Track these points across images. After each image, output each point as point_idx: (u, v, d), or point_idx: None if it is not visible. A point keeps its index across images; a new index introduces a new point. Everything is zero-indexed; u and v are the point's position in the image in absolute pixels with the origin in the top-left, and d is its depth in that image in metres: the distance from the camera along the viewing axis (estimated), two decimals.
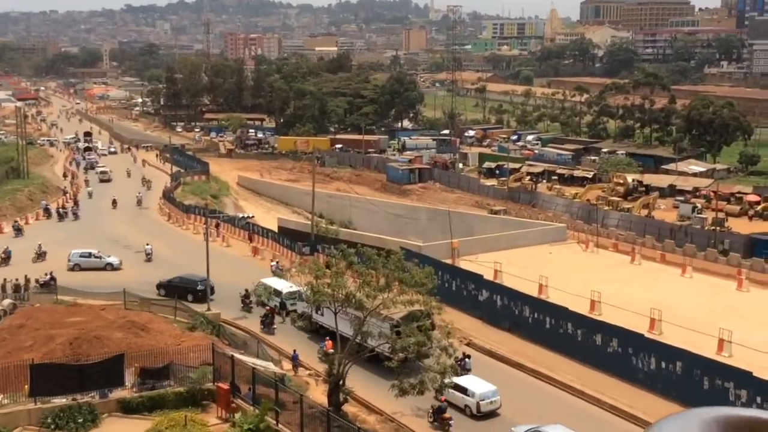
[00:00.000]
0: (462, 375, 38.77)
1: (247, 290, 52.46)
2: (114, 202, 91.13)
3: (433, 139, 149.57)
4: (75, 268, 60.88)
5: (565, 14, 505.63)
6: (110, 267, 61.73)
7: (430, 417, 36.31)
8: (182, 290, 53.38)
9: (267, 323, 48.49)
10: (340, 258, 38.61)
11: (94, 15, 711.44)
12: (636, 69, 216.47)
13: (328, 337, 42.77)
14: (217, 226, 73.13)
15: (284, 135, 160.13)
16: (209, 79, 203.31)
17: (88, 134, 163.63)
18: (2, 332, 43.38)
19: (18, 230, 75.11)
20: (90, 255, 62.27)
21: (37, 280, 53.87)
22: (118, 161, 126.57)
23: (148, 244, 66.62)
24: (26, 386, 33.35)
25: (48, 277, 54.55)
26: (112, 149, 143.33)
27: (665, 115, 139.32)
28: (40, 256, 64.28)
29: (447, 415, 35.97)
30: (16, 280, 53.43)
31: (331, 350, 43.95)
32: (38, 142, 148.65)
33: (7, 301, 49.49)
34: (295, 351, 43.37)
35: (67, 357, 36.92)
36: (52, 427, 32.39)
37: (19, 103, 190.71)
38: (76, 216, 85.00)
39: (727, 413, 4.95)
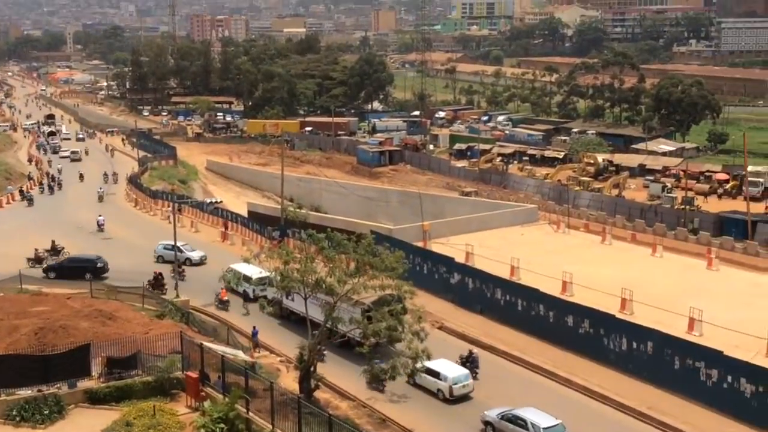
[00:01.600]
0: (472, 371, 38.52)
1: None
2: (81, 176, 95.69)
3: (404, 121, 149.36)
4: (159, 260, 58.66)
5: None
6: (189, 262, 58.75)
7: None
8: (78, 270, 53.09)
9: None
10: (310, 243, 38.14)
11: None
12: (605, 48, 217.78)
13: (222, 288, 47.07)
14: (180, 210, 71.47)
15: (253, 118, 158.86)
16: (175, 62, 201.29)
17: (50, 117, 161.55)
18: None
19: None
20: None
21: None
22: (85, 147, 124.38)
23: (100, 215, 68.93)
24: None
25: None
26: (80, 135, 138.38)
27: (634, 95, 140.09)
28: None
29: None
30: None
31: (226, 297, 48.59)
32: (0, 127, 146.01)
33: None
34: (255, 327, 43.59)
35: (32, 347, 36.19)
36: (18, 419, 31.75)
37: None
38: (52, 191, 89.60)
39: None
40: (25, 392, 32.74)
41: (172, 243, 54.57)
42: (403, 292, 35.98)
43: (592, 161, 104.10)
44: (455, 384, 36.91)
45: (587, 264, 55.47)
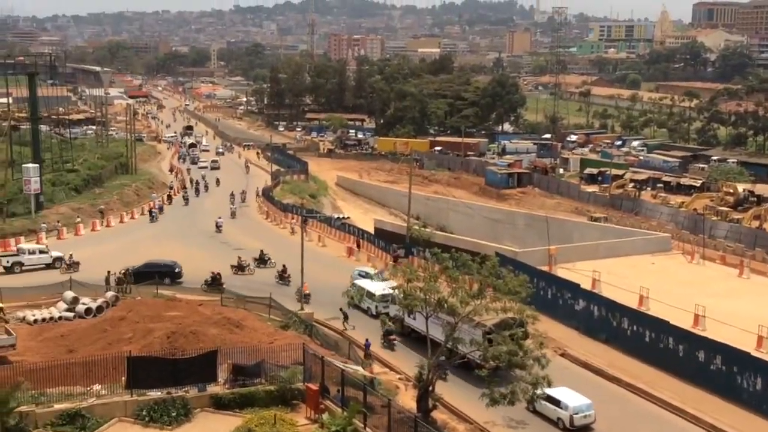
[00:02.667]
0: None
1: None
2: (218, 181, 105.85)
3: (534, 143, 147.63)
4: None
5: (676, 17, 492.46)
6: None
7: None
8: (157, 275, 55.86)
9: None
10: (434, 262, 38.19)
11: (204, 15, 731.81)
12: (750, 74, 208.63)
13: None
14: (305, 221, 73.22)
15: (384, 136, 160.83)
16: (312, 79, 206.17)
17: (189, 128, 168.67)
18: (104, 324, 44.77)
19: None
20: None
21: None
22: (224, 161, 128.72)
23: (219, 218, 75.11)
24: (123, 378, 34.08)
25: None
26: (220, 150, 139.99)
27: None
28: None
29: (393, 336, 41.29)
30: (120, 272, 54.89)
31: (307, 291, 50.49)
32: (145, 138, 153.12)
33: (110, 294, 50.99)
34: (367, 340, 44.19)
35: (164, 350, 37.67)
36: (147, 419, 32.87)
37: (130, 101, 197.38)
38: (198, 193, 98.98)
39: None
40: (155, 394, 33.91)
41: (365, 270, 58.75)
42: (525, 317, 35.50)
43: (731, 191, 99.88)
44: (576, 413, 36.03)
45: (722, 298, 53.14)
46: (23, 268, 59.52)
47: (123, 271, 55.07)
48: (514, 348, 34.27)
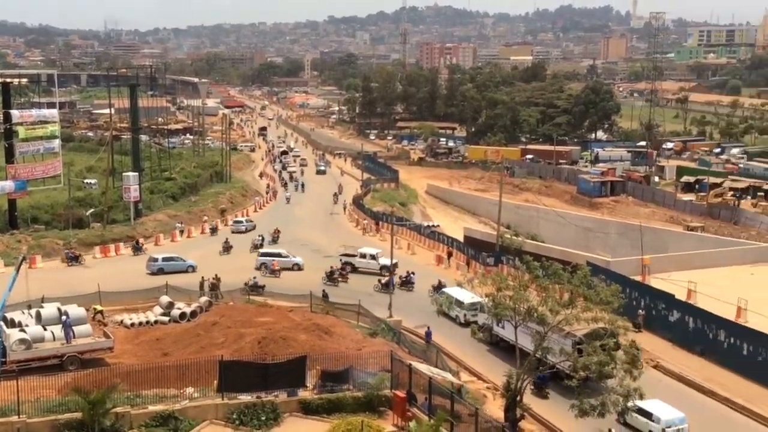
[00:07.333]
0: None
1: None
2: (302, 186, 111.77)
3: (628, 151, 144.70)
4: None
5: None
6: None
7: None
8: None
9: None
10: (525, 270, 37.84)
11: (298, 26, 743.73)
12: None
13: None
14: (377, 224, 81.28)
15: (475, 144, 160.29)
16: (403, 88, 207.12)
17: (263, 129, 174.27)
18: (197, 328, 45.92)
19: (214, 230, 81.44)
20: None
21: (246, 284, 55.96)
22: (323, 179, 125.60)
23: (287, 192, 75.43)
24: (215, 381, 34.86)
25: (253, 281, 56.84)
26: (321, 167, 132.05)
27: None
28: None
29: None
30: (213, 278, 56.23)
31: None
32: (240, 147, 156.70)
33: (204, 299, 52.28)
34: (428, 328, 46.27)
35: (255, 355, 38.36)
36: (237, 423, 33.46)
37: (226, 111, 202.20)
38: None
39: None
40: (246, 397, 34.51)
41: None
42: (616, 327, 34.82)
43: None
44: (668, 427, 35.11)
45: None
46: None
47: (216, 277, 56.38)
48: (605, 359, 33.67)
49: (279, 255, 64.94)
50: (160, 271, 61.53)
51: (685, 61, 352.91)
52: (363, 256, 64.50)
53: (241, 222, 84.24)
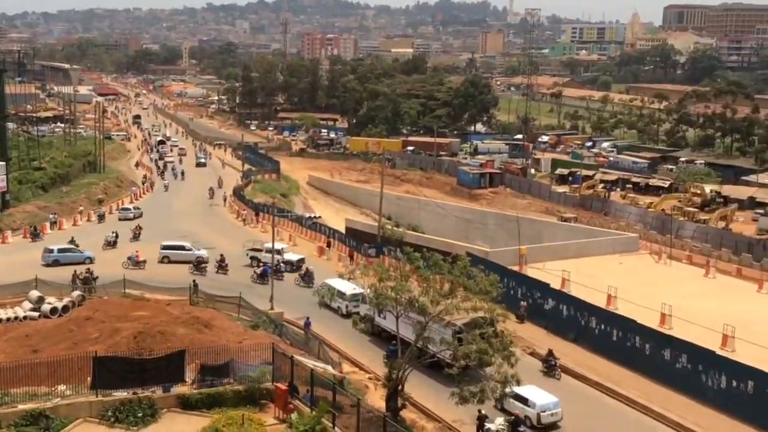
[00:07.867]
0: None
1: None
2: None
3: (506, 144, 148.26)
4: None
5: (647, 19, 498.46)
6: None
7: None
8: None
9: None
10: (406, 261, 38.17)
11: (175, 13, 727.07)
12: (719, 77, 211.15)
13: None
14: (257, 215, 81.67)
15: (356, 136, 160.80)
16: (284, 79, 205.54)
17: (137, 117, 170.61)
18: (70, 323, 44.12)
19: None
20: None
21: (77, 275, 53.81)
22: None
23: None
24: (89, 378, 33.69)
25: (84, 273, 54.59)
26: (201, 159, 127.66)
27: (747, 125, 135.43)
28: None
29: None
30: (85, 272, 54.30)
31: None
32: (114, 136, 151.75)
33: (76, 293, 50.42)
34: (308, 318, 47.18)
35: (131, 351, 37.28)
36: (112, 420, 32.45)
37: (100, 98, 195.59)
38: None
39: None
40: (121, 394, 33.53)
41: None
42: (495, 315, 35.59)
43: (699, 191, 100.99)
44: (543, 411, 36.24)
45: (688, 297, 53.72)
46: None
47: (88, 270, 54.44)
48: (484, 346, 34.35)
49: (182, 248, 62.80)
50: (56, 263, 59.02)
51: (559, 56, 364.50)
52: (269, 251, 63.10)
53: (128, 209, 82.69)
